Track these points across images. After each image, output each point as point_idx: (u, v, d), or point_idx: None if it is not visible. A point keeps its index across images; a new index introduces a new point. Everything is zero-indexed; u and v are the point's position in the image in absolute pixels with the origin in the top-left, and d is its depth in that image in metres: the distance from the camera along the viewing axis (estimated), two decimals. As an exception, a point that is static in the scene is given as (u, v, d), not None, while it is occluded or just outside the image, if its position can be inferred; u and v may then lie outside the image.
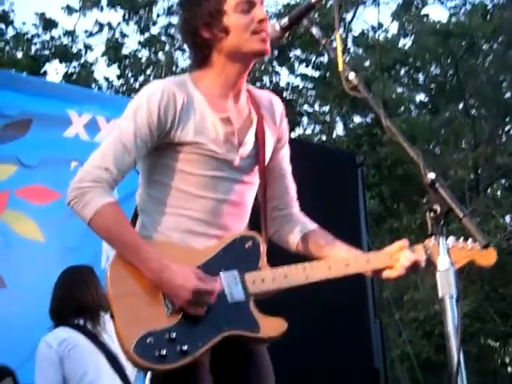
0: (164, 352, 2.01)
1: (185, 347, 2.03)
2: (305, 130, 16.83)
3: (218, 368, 2.17)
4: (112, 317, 2.09)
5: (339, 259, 2.25)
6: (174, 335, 2.04)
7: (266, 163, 2.35)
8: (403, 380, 12.92)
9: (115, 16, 16.08)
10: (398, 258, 2.22)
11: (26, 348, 4.06)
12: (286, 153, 2.44)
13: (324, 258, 2.28)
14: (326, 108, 16.79)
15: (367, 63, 16.26)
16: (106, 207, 2.11)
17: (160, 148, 2.23)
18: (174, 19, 15.41)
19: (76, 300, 3.51)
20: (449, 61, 16.08)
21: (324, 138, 16.56)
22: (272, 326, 2.15)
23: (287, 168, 2.44)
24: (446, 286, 1.80)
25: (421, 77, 16.89)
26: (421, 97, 17.29)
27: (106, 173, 2.14)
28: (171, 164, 2.23)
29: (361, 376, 5.90)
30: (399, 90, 17.07)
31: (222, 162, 2.24)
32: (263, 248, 2.24)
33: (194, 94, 2.24)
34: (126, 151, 2.16)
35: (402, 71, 16.78)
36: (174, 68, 15.53)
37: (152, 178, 2.27)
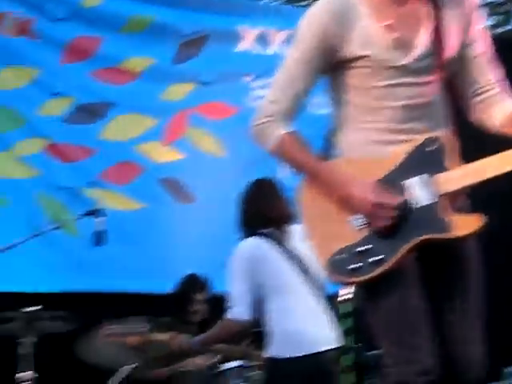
0: (356, 265, 2.10)
1: (375, 258, 2.09)
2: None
3: (428, 276, 2.17)
4: (308, 238, 2.21)
5: None
6: (363, 248, 2.11)
7: (456, 53, 2.25)
8: None
9: None
10: None
11: (217, 258, 4.25)
12: (478, 35, 2.32)
13: None
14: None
15: None
16: (281, 138, 2.21)
17: (333, 67, 2.24)
18: None
19: (263, 212, 3.60)
20: None
21: (502, 29, 15.64)
22: (465, 224, 2.10)
23: (481, 50, 2.32)
24: None
25: None
26: None
27: (277, 105, 2.23)
28: (346, 81, 2.23)
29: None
30: None
31: (395, 69, 2.19)
32: (451, 146, 2.17)
33: (357, 6, 2.20)
34: (294, 79, 2.22)
35: None
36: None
37: (333, 97, 2.30)
